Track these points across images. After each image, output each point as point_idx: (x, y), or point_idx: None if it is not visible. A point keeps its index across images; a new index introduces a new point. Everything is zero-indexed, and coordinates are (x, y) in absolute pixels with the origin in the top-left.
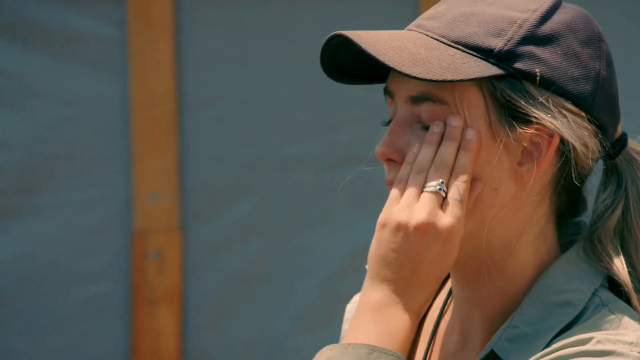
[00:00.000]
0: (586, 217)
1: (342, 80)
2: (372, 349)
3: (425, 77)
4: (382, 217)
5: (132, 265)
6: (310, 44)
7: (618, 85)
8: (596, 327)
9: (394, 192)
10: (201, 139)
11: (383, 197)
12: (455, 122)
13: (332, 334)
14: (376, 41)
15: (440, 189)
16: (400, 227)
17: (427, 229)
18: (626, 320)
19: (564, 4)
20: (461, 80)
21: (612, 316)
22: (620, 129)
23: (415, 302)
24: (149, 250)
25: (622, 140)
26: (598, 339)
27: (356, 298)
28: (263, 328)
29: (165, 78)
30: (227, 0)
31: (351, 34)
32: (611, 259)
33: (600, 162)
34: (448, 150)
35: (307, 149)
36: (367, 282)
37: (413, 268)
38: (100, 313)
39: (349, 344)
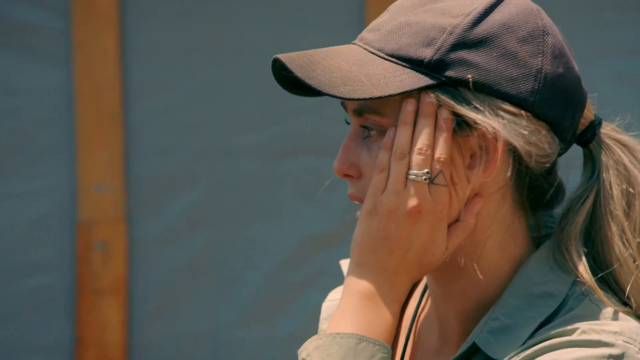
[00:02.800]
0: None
1: (304, 94)
2: (361, 338)
3: (352, 97)
4: (368, 205)
5: (77, 257)
6: (256, 34)
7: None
8: (579, 318)
9: (376, 179)
10: (147, 130)
11: (329, 188)
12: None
13: (279, 324)
14: (308, 63)
15: (425, 179)
16: (391, 214)
17: (419, 215)
18: (608, 310)
19: (507, 0)
20: (390, 96)
21: (594, 306)
22: (590, 115)
23: (401, 291)
24: (94, 241)
25: (594, 127)
26: (583, 329)
27: (331, 296)
28: (209, 319)
29: (110, 68)
30: None
31: (286, 57)
32: (579, 272)
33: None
34: (426, 133)
35: (253, 140)
36: (353, 270)
37: (402, 254)
38: (45, 304)
39: (337, 334)
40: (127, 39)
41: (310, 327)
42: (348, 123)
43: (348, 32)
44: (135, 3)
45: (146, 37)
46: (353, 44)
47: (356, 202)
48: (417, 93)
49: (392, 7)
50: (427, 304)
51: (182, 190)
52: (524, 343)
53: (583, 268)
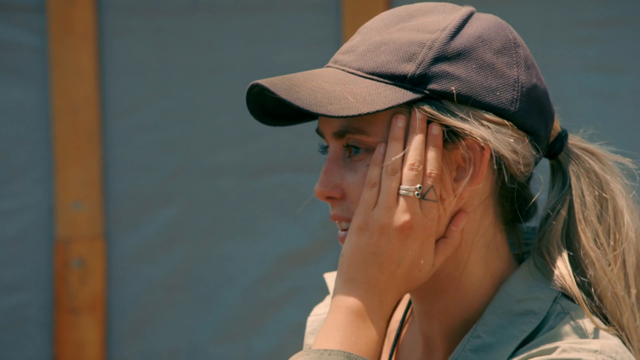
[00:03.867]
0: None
1: (275, 124)
2: (348, 356)
3: (340, 114)
4: (359, 220)
5: (54, 274)
6: (232, 52)
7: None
8: (560, 336)
9: (367, 195)
10: (124, 147)
11: (305, 204)
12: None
13: (256, 341)
14: (291, 86)
15: (417, 194)
16: (383, 230)
17: (410, 230)
18: (589, 327)
19: (476, 15)
20: (377, 112)
21: (575, 324)
22: (558, 127)
23: (389, 307)
24: (71, 259)
25: (562, 138)
26: (563, 347)
27: (317, 310)
28: (187, 336)
29: (87, 86)
30: (149, 8)
31: (267, 82)
32: (561, 276)
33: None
34: (418, 148)
35: (229, 157)
36: (342, 286)
37: (393, 270)
38: (22, 323)
39: (325, 350)
40: (104, 57)
41: (287, 343)
42: (322, 149)
43: (325, 48)
44: (111, 21)
45: (123, 55)
46: (327, 67)
47: (337, 222)
48: (405, 109)
49: (362, 29)
50: (410, 318)
51: (159, 207)
52: None
53: (565, 271)
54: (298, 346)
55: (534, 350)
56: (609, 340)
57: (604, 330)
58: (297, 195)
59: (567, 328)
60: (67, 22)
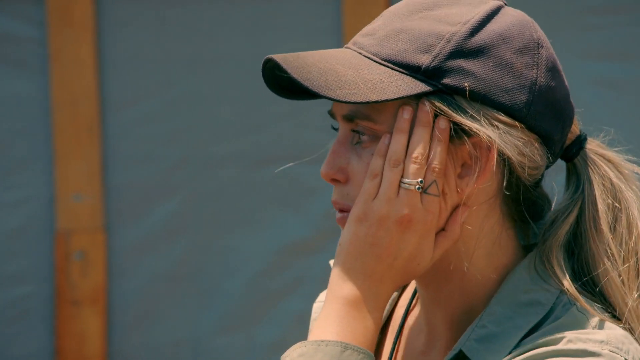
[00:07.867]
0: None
1: (292, 97)
2: (345, 346)
3: (348, 100)
4: (358, 211)
5: (55, 266)
6: (233, 42)
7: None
8: (566, 327)
9: (368, 185)
10: (124, 139)
11: (308, 195)
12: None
13: (259, 332)
14: (303, 65)
15: (419, 188)
16: (382, 221)
17: (409, 223)
18: (594, 318)
19: (503, 10)
20: (386, 100)
21: (581, 315)
22: (577, 130)
23: (385, 298)
24: (72, 251)
25: (580, 142)
26: (569, 338)
27: (322, 297)
28: (189, 328)
29: (87, 78)
30: None
31: (280, 58)
32: (560, 282)
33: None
34: (423, 141)
35: (231, 148)
36: (338, 275)
37: (390, 262)
38: (23, 315)
39: (322, 341)
40: (104, 49)
41: (291, 334)
42: (334, 129)
43: (325, 38)
44: (111, 12)
45: (123, 46)
46: (346, 47)
47: (336, 208)
48: (414, 101)
49: (385, 13)
50: (416, 306)
51: (160, 199)
52: (510, 351)
53: (565, 278)
54: (301, 336)
55: (540, 341)
56: (615, 331)
57: (609, 321)
58: (299, 186)
59: (573, 319)
60: (67, 13)
